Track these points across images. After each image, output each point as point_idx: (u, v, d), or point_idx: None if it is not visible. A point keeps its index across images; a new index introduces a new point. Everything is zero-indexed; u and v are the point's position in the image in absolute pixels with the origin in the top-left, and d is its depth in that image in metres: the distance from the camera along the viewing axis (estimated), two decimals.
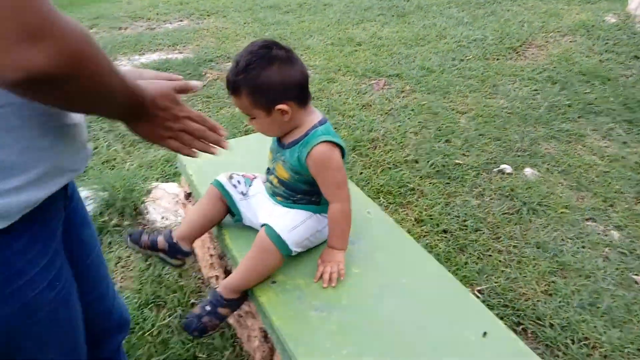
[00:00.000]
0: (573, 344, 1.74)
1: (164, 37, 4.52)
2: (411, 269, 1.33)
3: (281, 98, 1.18)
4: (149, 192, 2.29)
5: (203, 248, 1.84)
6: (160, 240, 1.41)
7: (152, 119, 0.83)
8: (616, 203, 2.42)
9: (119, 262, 2.03)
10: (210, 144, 0.94)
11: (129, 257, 2.06)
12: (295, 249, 1.28)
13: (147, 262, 2.03)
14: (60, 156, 0.74)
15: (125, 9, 5.55)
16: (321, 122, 1.26)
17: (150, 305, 1.81)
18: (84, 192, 2.25)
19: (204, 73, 3.75)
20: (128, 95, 0.74)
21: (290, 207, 1.34)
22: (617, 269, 2.05)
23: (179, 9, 5.53)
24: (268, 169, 1.40)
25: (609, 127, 2.99)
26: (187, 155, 0.93)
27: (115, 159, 2.70)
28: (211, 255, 1.77)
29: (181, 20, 5.18)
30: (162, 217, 2.20)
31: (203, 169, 1.75)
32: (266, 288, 1.25)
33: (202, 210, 1.45)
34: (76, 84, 0.61)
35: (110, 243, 2.11)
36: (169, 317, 1.78)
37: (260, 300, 1.22)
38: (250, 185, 1.44)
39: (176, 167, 2.62)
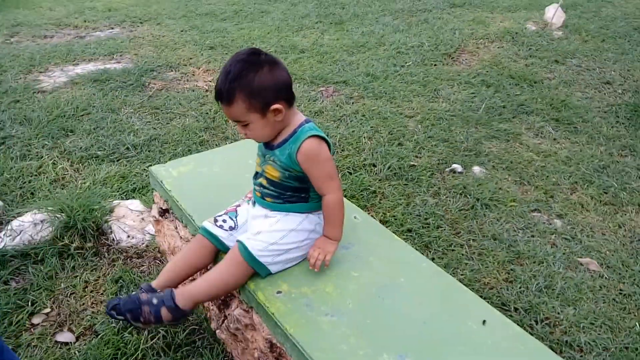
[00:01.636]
0: (537, 324, 1.91)
1: (97, 46, 4.31)
2: (406, 268, 1.40)
3: (275, 98, 1.25)
4: (111, 210, 2.19)
5: None
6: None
7: None
8: (555, 194, 2.67)
9: (87, 287, 1.93)
10: None
11: (97, 280, 1.96)
12: (271, 265, 1.33)
13: (118, 284, 1.94)
14: None
15: (48, 16, 5.22)
16: (307, 121, 1.34)
17: (129, 329, 1.74)
18: (37, 215, 2.11)
19: (147, 83, 3.62)
20: None
21: (280, 210, 1.37)
22: (564, 253, 2.27)
23: (107, 16, 5.28)
24: (256, 173, 1.43)
25: (540, 126, 3.28)
26: None
27: (64, 178, 2.55)
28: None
29: (112, 28, 4.96)
30: (128, 236, 2.11)
31: (180, 182, 1.73)
32: (273, 299, 1.27)
33: (187, 260, 1.47)
34: None
35: (74, 267, 2.00)
36: (151, 339, 1.72)
37: (269, 311, 1.24)
38: (236, 216, 1.46)
39: (134, 184, 2.53)
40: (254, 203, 1.46)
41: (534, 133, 3.22)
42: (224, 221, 1.45)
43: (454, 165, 2.83)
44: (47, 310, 1.83)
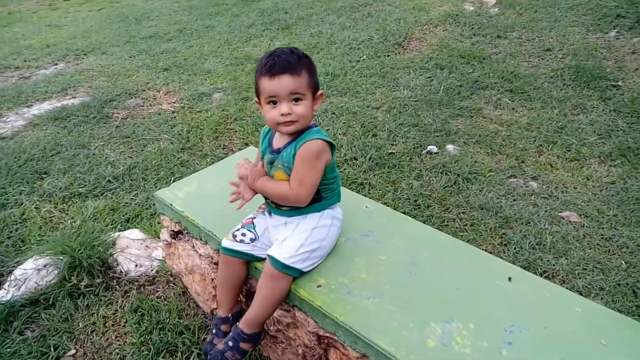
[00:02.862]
0: None
1: (47, 84, 4.19)
2: (427, 244, 1.50)
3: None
4: (113, 243, 2.17)
5: (203, 282, 1.83)
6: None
7: None
8: (525, 159, 2.88)
9: (106, 322, 1.92)
10: None
11: (115, 313, 1.95)
12: (303, 265, 1.38)
13: (138, 313, 1.94)
14: None
15: None
16: (314, 125, 1.41)
17: (162, 353, 1.75)
18: (39, 261, 2.06)
19: (111, 114, 3.56)
20: None
21: (297, 215, 1.43)
22: (546, 211, 2.46)
23: (47, 53, 5.12)
24: None
25: (497, 98, 3.50)
26: None
27: (52, 220, 2.49)
28: (214, 287, 1.76)
29: (56, 64, 4.81)
30: (136, 265, 2.11)
31: (189, 202, 1.75)
32: (315, 293, 1.34)
33: (226, 281, 1.52)
34: None
35: (88, 305, 1.98)
36: (186, 359, 1.74)
37: (315, 304, 1.30)
38: (254, 227, 1.50)
39: (126, 214, 2.50)
40: (269, 213, 1.50)
41: (493, 106, 3.43)
42: (244, 235, 1.47)
43: (430, 147, 2.98)
44: (72, 352, 1.81)
